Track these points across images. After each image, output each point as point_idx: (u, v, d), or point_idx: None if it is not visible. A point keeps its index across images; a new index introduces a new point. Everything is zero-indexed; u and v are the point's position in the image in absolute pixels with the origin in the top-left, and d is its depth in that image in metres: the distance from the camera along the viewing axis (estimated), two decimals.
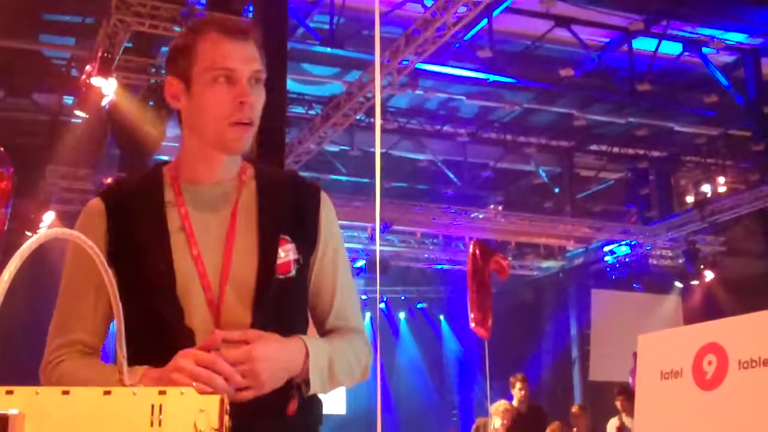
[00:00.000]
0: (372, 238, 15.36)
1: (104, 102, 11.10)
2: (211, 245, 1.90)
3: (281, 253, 1.92)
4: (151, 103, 11.42)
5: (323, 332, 2.05)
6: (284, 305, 1.92)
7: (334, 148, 15.27)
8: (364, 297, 18.75)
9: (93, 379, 1.78)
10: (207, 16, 2.00)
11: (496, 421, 9.16)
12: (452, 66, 12.50)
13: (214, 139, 1.91)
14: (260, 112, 1.93)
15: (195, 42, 1.91)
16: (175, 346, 1.76)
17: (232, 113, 1.87)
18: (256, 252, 1.90)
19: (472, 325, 11.06)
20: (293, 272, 1.93)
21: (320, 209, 2.04)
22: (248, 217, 1.94)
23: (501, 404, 9.29)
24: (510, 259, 14.44)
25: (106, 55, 10.19)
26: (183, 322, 1.82)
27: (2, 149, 4.01)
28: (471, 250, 11.24)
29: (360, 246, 15.86)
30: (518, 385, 9.41)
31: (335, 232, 2.08)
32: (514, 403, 9.41)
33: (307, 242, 1.98)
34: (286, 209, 1.99)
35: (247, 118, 1.89)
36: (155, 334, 1.81)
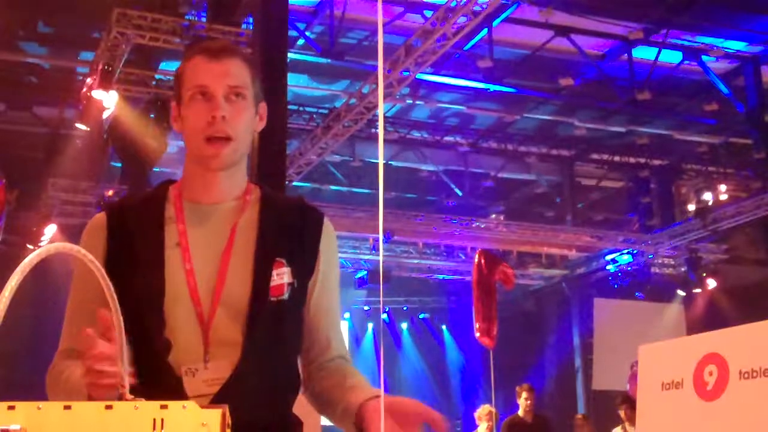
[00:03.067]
0: (373, 248, 15.36)
1: (105, 115, 11.12)
2: (206, 262, 1.92)
3: (275, 276, 1.93)
4: (152, 115, 11.44)
5: (322, 362, 2.06)
6: (276, 327, 1.93)
7: (335, 159, 15.29)
8: (366, 308, 18.77)
9: (66, 379, 1.82)
10: (200, 43, 2.09)
11: (482, 426, 9.26)
12: (452, 76, 12.52)
13: (196, 155, 1.96)
14: (244, 127, 1.96)
15: (184, 67, 1.99)
16: (155, 355, 1.84)
17: (205, 128, 1.91)
18: (250, 273, 1.92)
19: (477, 335, 11.05)
20: (286, 295, 1.94)
21: (321, 236, 2.05)
22: (247, 238, 1.96)
23: (484, 408, 9.49)
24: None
25: (106, 67, 10.22)
26: (163, 333, 1.85)
27: None
28: (476, 259, 11.24)
29: (361, 256, 15.86)
30: (524, 395, 9.44)
31: (335, 262, 2.09)
32: (520, 413, 9.45)
33: (305, 267, 2.00)
34: (287, 233, 2.00)
35: (221, 132, 1.91)
36: (140, 344, 1.82)
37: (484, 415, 9.43)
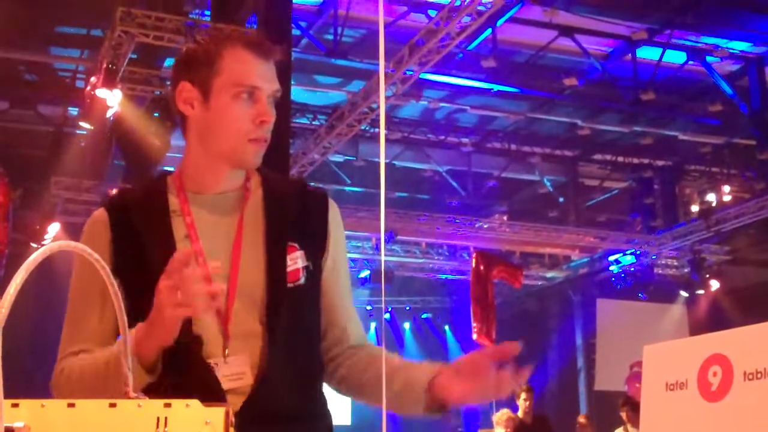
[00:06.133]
0: (376, 248, 15.35)
1: (109, 113, 11.12)
2: (218, 254, 1.87)
3: (289, 261, 1.90)
4: (156, 114, 11.44)
5: (345, 348, 2.03)
6: (295, 314, 1.89)
7: (339, 159, 15.29)
8: (369, 307, 18.77)
9: (91, 367, 1.79)
10: (229, 31, 1.93)
11: (499, 431, 9.15)
12: (456, 76, 12.51)
13: (230, 154, 1.91)
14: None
15: (219, 53, 1.89)
16: (181, 355, 1.76)
17: (251, 131, 1.88)
18: (263, 261, 1.89)
19: (475, 335, 11.07)
20: (302, 280, 1.91)
21: (328, 215, 2.02)
22: (255, 226, 1.93)
23: (503, 413, 9.27)
24: None
25: (110, 66, 10.22)
26: (190, 330, 1.79)
27: None
28: (473, 261, 11.26)
29: (364, 256, 15.85)
30: (523, 395, 9.39)
31: (342, 242, 2.06)
32: (519, 413, 9.40)
33: (316, 248, 1.97)
34: (294, 216, 1.96)
35: (264, 135, 1.90)
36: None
37: (503, 420, 9.20)
